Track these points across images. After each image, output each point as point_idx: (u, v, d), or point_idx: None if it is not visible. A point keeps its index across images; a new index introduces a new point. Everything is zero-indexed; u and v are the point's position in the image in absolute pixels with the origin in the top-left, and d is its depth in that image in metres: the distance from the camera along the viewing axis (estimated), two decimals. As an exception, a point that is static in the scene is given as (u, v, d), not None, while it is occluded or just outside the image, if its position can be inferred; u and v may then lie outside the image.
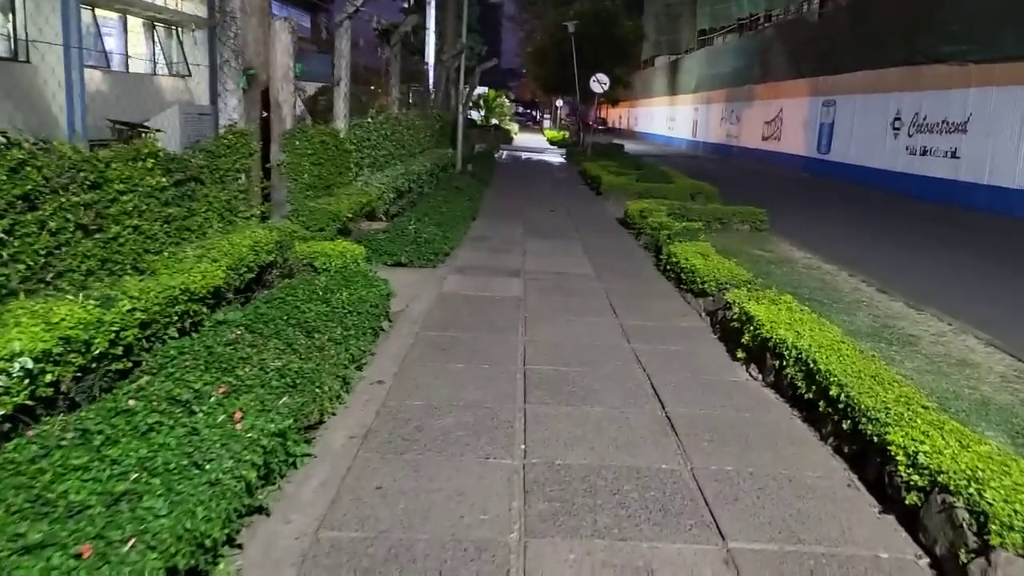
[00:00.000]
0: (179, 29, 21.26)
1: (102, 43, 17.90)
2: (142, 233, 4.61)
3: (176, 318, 4.31)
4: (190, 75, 21.37)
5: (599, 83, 27.05)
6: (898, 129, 22.18)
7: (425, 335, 5.58)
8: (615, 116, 71.69)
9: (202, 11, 20.75)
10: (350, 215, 7.87)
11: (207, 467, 2.56)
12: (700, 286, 6.80)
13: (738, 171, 29.39)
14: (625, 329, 6.04)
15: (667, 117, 56.82)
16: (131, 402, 2.96)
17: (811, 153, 28.93)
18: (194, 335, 4.02)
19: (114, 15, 18.46)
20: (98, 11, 17.63)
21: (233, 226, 6.00)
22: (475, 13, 60.63)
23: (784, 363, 4.60)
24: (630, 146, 34.07)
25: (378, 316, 5.22)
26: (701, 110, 46.75)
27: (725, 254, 8.43)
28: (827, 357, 4.26)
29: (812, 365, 4.28)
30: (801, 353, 4.44)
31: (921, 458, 3.17)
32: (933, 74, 20.30)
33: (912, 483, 3.17)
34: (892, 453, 3.32)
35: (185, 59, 21.47)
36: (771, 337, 4.82)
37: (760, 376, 4.99)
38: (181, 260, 4.78)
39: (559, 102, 72.06)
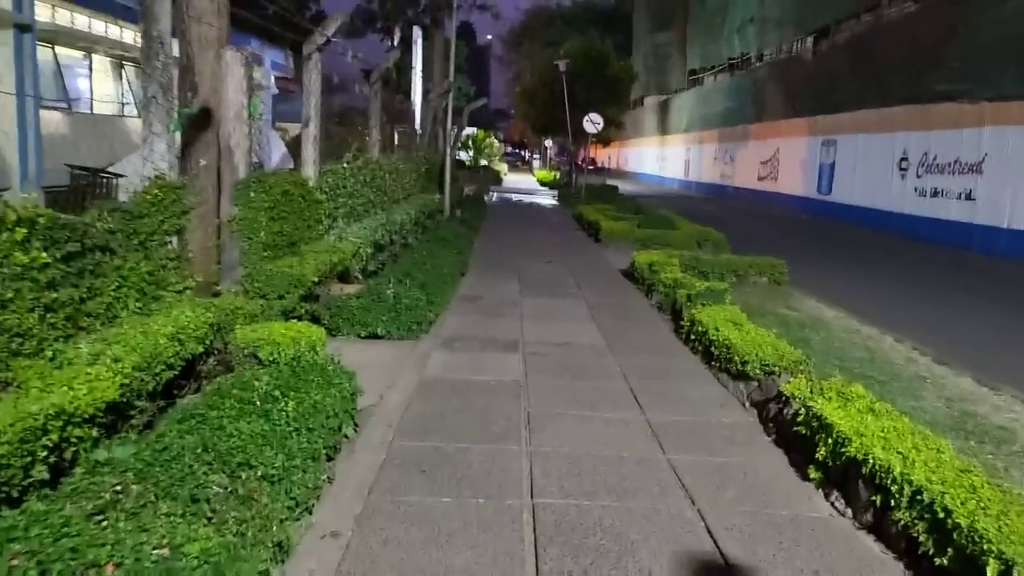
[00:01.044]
0: (151, 68, 20.13)
1: (63, 83, 16.77)
2: (4, 330, 3.35)
3: (45, 453, 3.03)
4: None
5: (593, 123, 26.15)
6: (905, 169, 21.28)
7: (400, 447, 4.29)
8: (604, 156, 71.21)
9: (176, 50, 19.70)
10: (316, 278, 6.63)
11: None
12: (740, 367, 5.57)
13: (735, 212, 28.44)
14: (655, 429, 4.78)
15: (658, 157, 56.31)
16: None
17: (811, 194, 28.05)
18: (49, 494, 2.74)
19: (78, 53, 17.37)
20: (60, 49, 16.53)
21: (159, 303, 4.74)
22: (463, 53, 60.32)
23: (891, 501, 3.36)
24: (621, 186, 33.15)
25: (336, 428, 3.95)
26: (693, 150, 46.15)
27: (750, 316, 7.26)
28: (964, 503, 3.02)
29: (942, 515, 3.03)
30: (919, 492, 3.20)
31: None
32: (942, 112, 19.45)
33: None
34: None
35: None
36: (864, 459, 3.58)
37: (849, 510, 3.73)
38: (66, 363, 3.51)
39: (548, 142, 71.76)
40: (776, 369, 5.26)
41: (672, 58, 56.56)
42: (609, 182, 34.52)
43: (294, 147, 31.14)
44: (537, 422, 4.81)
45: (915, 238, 19.69)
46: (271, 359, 4.40)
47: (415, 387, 5.41)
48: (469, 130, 57.08)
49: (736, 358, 5.65)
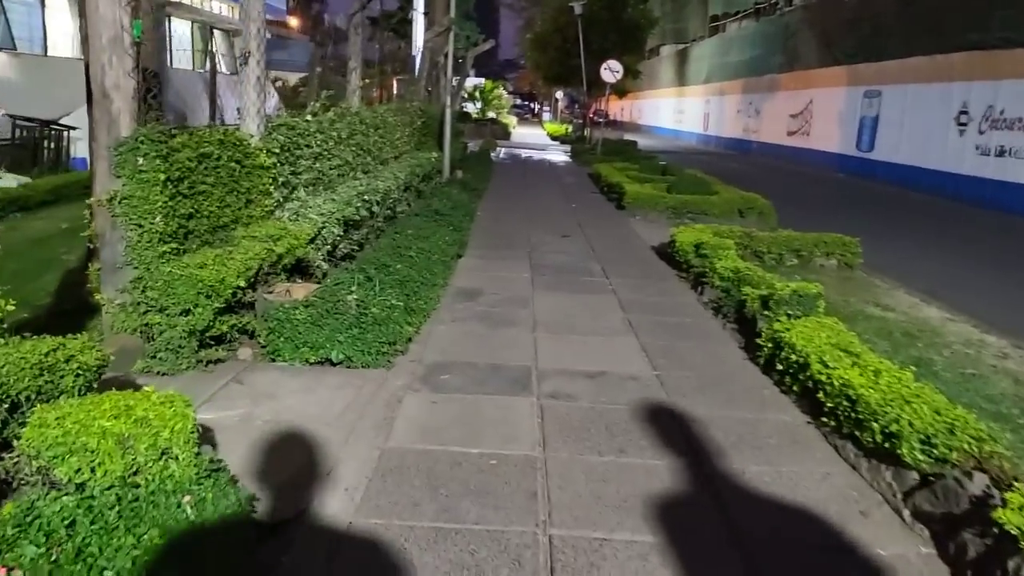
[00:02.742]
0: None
1: (5, 19, 14.56)
2: None
3: None
4: (130, 61, 18.00)
5: (612, 71, 23.68)
6: (965, 124, 18.90)
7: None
8: (616, 109, 68.21)
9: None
10: (244, 281, 4.62)
11: None
12: (879, 440, 3.55)
13: (762, 170, 26.13)
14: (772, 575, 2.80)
15: (674, 110, 53.52)
16: None
17: (848, 151, 25.64)
18: None
19: (24, -15, 15.14)
20: (-1, -21, 14.31)
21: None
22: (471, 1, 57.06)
23: None
24: (632, 139, 30.70)
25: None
26: (713, 102, 43.41)
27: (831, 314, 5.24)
28: None
29: None
30: None
31: None
32: (1013, 59, 17.02)
33: None
34: None
35: (124, 42, 18.06)
36: None
37: None
38: None
39: (559, 94, 68.81)
40: (952, 455, 3.24)
41: (691, 4, 53.45)
42: (629, 138, 32.08)
43: (290, 97, 28.80)
44: (565, 554, 2.82)
45: (976, 203, 17.45)
46: (78, 481, 2.40)
47: (373, 469, 3.43)
48: (477, 80, 54.41)
49: (872, 423, 3.63)
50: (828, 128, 27.33)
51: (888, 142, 22.93)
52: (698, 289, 7.24)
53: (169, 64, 20.09)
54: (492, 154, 21.20)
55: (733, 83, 39.20)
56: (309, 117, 7.17)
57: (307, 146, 7.14)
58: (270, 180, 6.05)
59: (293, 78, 39.10)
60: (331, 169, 7.91)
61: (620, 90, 30.69)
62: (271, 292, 5.25)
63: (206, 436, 3.59)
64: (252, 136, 5.91)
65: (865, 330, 5.99)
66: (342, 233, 6.81)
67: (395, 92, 32.76)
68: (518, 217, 11.54)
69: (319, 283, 5.83)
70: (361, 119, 9.20)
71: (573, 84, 34.36)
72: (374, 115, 10.05)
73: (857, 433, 3.79)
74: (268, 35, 22.02)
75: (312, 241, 6.07)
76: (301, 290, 5.38)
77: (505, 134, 37.03)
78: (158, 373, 4.35)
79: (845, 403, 3.94)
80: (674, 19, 54.36)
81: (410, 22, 31.49)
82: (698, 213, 12.10)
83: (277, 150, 6.19)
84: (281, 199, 6.42)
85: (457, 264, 7.82)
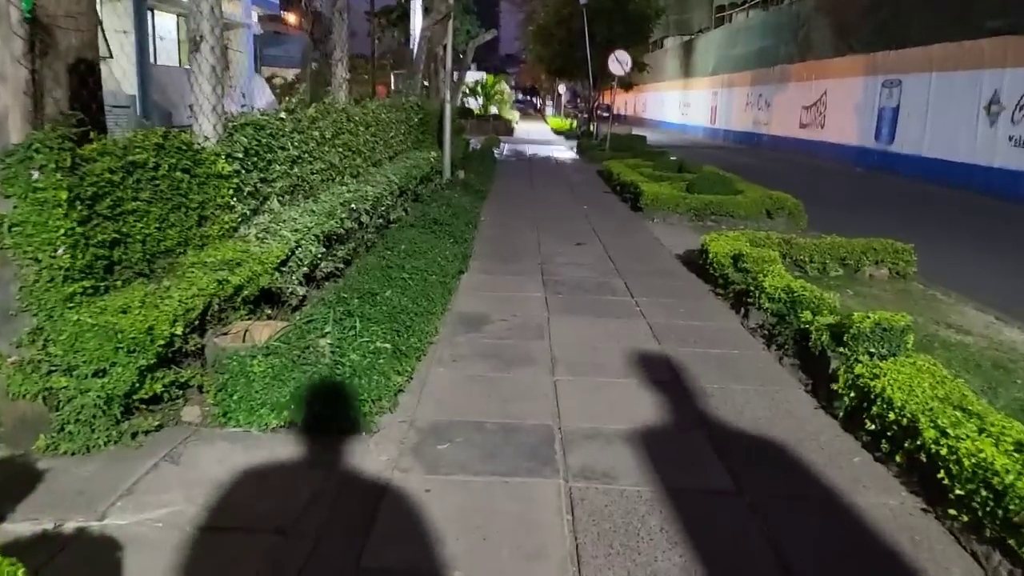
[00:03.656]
0: (93, -1, 16.77)
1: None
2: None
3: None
4: (110, 56, 16.99)
5: (620, 63, 22.57)
6: (996, 114, 17.80)
7: None
8: (620, 102, 66.94)
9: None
10: (182, 329, 3.60)
11: None
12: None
13: (775, 164, 25.07)
14: None
15: (680, 103, 52.37)
16: None
17: (867, 143, 24.54)
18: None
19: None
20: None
21: None
22: (471, -11, 55.39)
23: None
24: (641, 134, 29.58)
25: None
26: (721, 94, 42.26)
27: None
28: None
29: None
30: None
31: None
32: (1052, 44, 15.94)
33: None
34: None
35: (104, 36, 17.07)
36: None
37: None
38: None
39: (562, 88, 67.63)
40: None
41: (695, -5, 52.37)
42: (638, 132, 30.96)
43: (286, 94, 27.61)
44: None
45: (1009, 197, 16.36)
46: None
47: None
48: (478, 75, 53.27)
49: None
50: (844, 120, 26.22)
51: (910, 134, 21.81)
52: (740, 310, 6.18)
53: (153, 60, 19.05)
54: (495, 151, 20.13)
55: (742, 75, 38.06)
56: (283, 114, 6.13)
57: (282, 148, 6.10)
58: (230, 191, 5.01)
59: (290, 75, 38.03)
60: (313, 174, 6.87)
61: (627, 83, 29.52)
62: (225, 334, 4.22)
63: (107, 562, 2.57)
64: (207, 139, 4.87)
65: (947, 361, 4.95)
66: (323, 251, 5.77)
67: (392, 87, 31.66)
68: (526, 222, 10.49)
69: (291, 317, 4.79)
70: (349, 116, 8.15)
71: (578, 77, 33.26)
72: (365, 112, 9.01)
73: (1011, 542, 2.75)
74: (260, 30, 20.73)
75: (284, 264, 5.03)
76: (264, 330, 4.34)
77: (508, 130, 35.94)
78: (66, 452, 3.32)
79: (984, 493, 2.89)
80: (678, 10, 53.22)
81: (408, 16, 30.42)
82: (722, 215, 11.05)
83: (240, 154, 5.15)
84: (248, 212, 5.38)
85: (459, 282, 6.78)
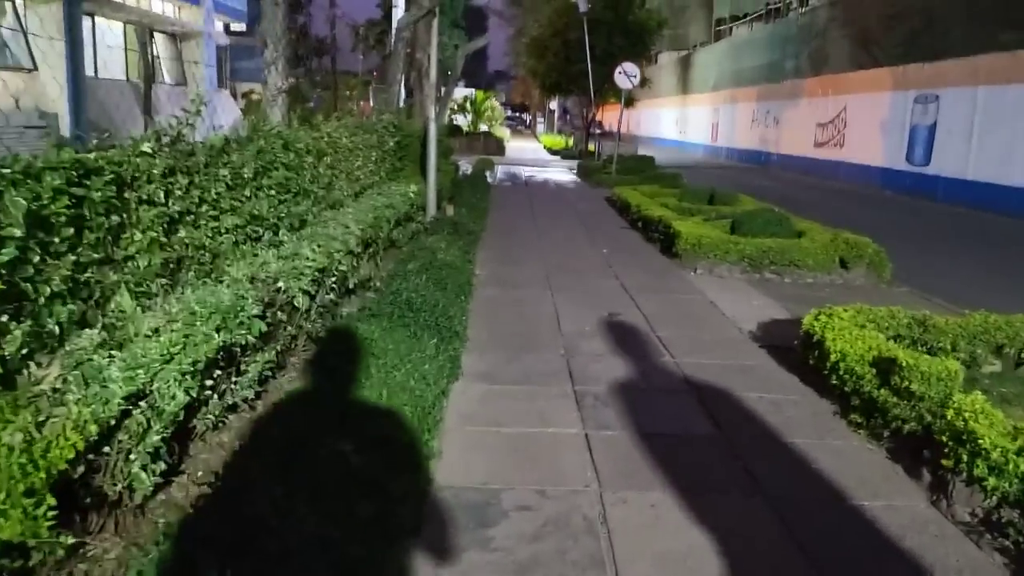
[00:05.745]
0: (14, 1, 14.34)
1: None
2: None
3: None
4: (35, 68, 14.48)
5: (628, 76, 20.22)
6: (1063, 133, 15.55)
7: None
8: (611, 119, 64.98)
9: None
10: None
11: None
12: None
13: (791, 186, 22.86)
14: None
15: (677, 119, 50.35)
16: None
17: (896, 164, 22.29)
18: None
19: None
20: None
21: None
22: (461, 6, 54.08)
23: None
24: (649, 155, 27.23)
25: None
26: (723, 111, 40.16)
27: None
28: None
29: None
30: None
31: None
32: None
33: None
34: None
35: (28, 45, 14.55)
36: None
37: None
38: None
39: (553, 104, 65.51)
40: None
41: (690, 9, 50.53)
42: (643, 153, 28.67)
43: (257, 112, 25.08)
44: None
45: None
46: None
47: None
48: (467, 91, 50.96)
49: None
50: (867, 138, 23.99)
51: (950, 155, 19.56)
52: (922, 473, 3.70)
53: (94, 72, 16.54)
54: (488, 175, 17.71)
55: (746, 90, 35.94)
56: (146, 147, 3.64)
57: (148, 203, 3.62)
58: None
59: (259, 90, 35.58)
60: (218, 236, 4.39)
61: (629, 99, 27.27)
62: None
63: None
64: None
65: None
66: (208, 390, 3.28)
67: (369, 102, 29.27)
68: (534, 279, 8.01)
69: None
70: (288, 143, 5.67)
71: (574, 92, 31.03)
72: (316, 137, 6.53)
73: None
74: (226, 40, 18.02)
75: (101, 447, 2.52)
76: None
77: (500, 149, 33.56)
78: None
79: None
80: (673, 25, 51.28)
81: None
82: (783, 265, 8.63)
83: (19, 230, 2.65)
84: (55, 326, 2.88)
85: (446, 408, 4.28)
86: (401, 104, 11.60)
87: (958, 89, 19.26)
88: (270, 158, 5.23)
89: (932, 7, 20.49)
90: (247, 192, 4.88)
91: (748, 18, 39.36)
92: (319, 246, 5.21)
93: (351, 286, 5.95)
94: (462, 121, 44.26)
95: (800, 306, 6.66)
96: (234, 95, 31.55)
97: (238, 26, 27.98)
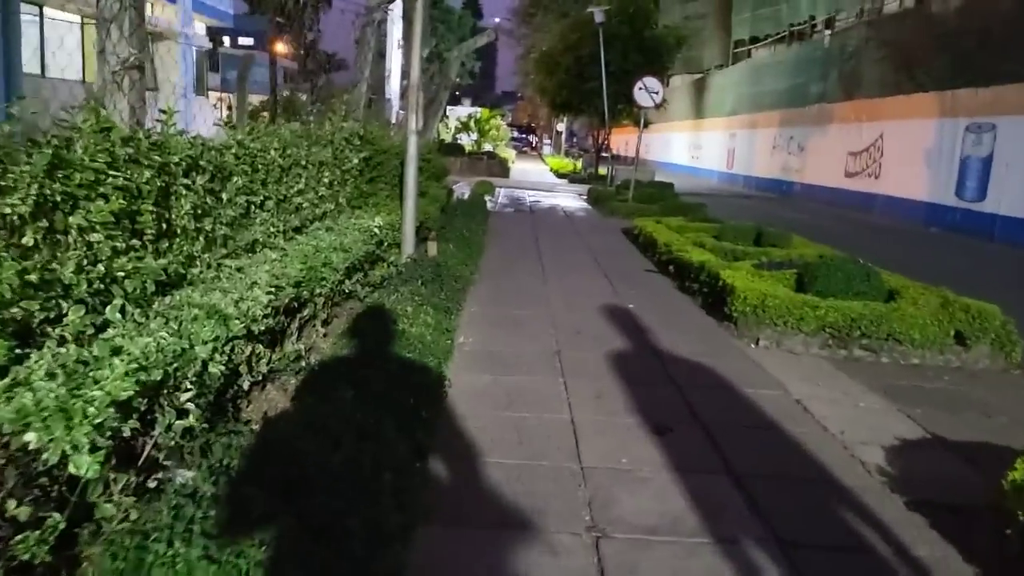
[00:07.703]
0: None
1: None
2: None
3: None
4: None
5: (648, 91, 18.05)
6: None
7: None
8: (621, 142, 62.99)
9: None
10: None
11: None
12: None
13: (822, 219, 20.59)
14: None
15: (690, 144, 48.30)
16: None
17: (943, 199, 20.03)
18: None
19: None
20: None
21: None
22: (469, 25, 51.94)
23: None
24: (668, 181, 25.00)
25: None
26: (740, 136, 38.06)
27: None
28: None
29: None
30: None
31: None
32: None
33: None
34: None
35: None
36: None
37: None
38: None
39: (560, 126, 63.61)
40: None
41: (705, 31, 48.62)
42: (660, 180, 26.50)
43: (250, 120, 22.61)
44: None
45: None
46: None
47: None
48: (472, 109, 49.01)
49: None
50: (909, 169, 21.77)
51: (1010, 190, 17.32)
52: None
53: (40, 71, 14.39)
54: (487, 199, 15.50)
55: (767, 115, 33.81)
56: None
57: None
58: None
59: (257, 101, 33.76)
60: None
61: (646, 120, 25.17)
62: None
63: None
64: None
65: None
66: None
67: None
68: (541, 360, 5.70)
69: None
70: (133, 155, 3.42)
71: (586, 112, 28.96)
72: (219, 147, 4.29)
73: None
74: (208, 44, 15.60)
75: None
76: None
77: (504, 170, 31.42)
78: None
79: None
80: (686, 47, 49.49)
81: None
82: (879, 339, 6.34)
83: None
84: None
85: None
86: (365, 107, 9.34)
87: (1019, 118, 17.07)
88: (85, 177, 2.98)
89: (988, 27, 18.36)
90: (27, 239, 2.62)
91: (769, 40, 37.37)
92: (171, 333, 2.93)
93: (261, 376, 3.67)
94: (466, 140, 42.23)
95: (929, 411, 4.38)
96: (230, 107, 29.63)
97: (226, 27, 25.91)
